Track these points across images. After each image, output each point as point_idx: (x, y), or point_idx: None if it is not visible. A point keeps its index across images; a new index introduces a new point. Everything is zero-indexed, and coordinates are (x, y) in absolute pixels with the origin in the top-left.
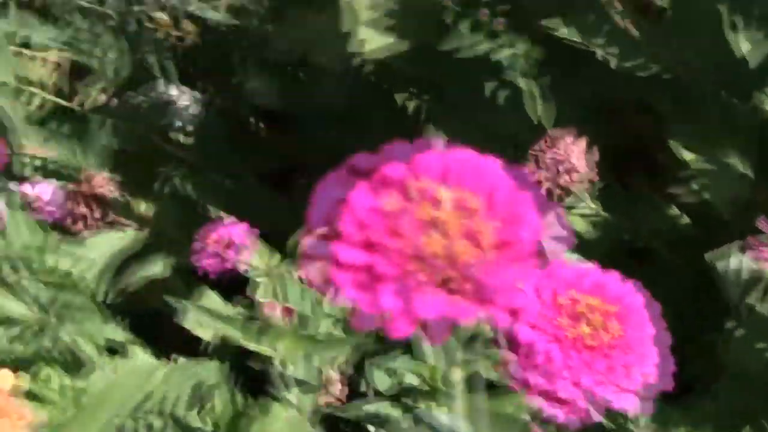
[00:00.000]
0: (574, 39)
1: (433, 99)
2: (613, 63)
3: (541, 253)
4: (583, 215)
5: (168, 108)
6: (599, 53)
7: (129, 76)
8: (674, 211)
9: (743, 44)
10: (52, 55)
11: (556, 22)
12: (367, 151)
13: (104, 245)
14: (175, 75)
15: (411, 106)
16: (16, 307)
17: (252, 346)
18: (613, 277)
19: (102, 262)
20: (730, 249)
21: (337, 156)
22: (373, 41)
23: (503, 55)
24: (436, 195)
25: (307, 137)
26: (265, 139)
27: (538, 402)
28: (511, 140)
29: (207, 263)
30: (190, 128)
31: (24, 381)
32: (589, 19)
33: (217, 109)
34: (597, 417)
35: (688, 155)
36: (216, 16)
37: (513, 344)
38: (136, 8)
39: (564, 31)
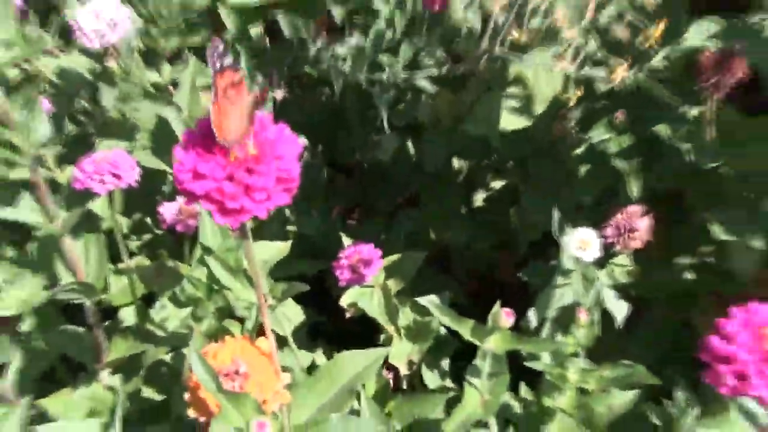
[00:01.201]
0: (671, 140)
1: (517, 171)
2: (694, 157)
3: None
4: (620, 265)
5: None
6: (688, 155)
7: None
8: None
9: None
10: None
11: (663, 127)
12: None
13: (266, 250)
14: None
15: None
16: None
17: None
18: None
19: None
20: None
21: (384, 199)
22: (510, 122)
23: (613, 145)
24: None
25: (367, 186)
26: (337, 184)
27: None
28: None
29: (342, 274)
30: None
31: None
32: (684, 125)
33: (319, 155)
34: None
35: (721, 233)
36: (425, 84)
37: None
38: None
39: (664, 133)
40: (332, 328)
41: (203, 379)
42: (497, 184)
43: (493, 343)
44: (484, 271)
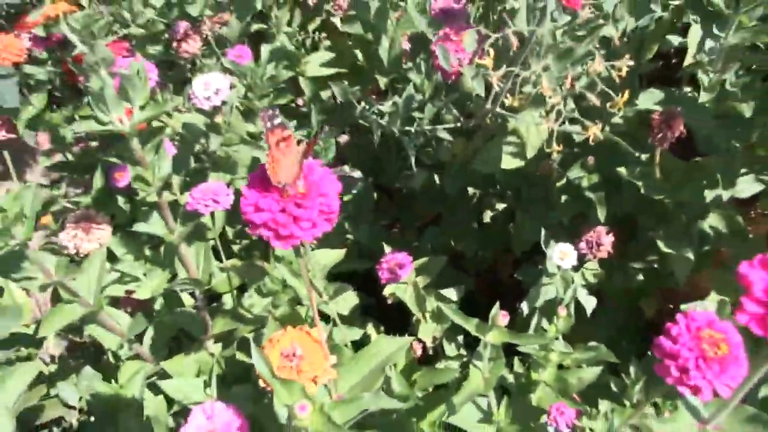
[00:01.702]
0: (628, 178)
1: (515, 197)
2: (644, 191)
3: None
4: (590, 269)
5: (348, 179)
6: (642, 189)
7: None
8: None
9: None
10: None
11: (622, 169)
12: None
13: (326, 256)
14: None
15: (475, 196)
16: None
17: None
18: (727, 324)
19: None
20: None
21: (417, 216)
22: (509, 162)
23: (586, 181)
24: None
25: (405, 206)
26: (382, 203)
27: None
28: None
29: (383, 274)
30: (354, 191)
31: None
32: (638, 167)
33: (369, 183)
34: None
35: (663, 247)
36: (444, 135)
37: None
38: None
39: (623, 173)
40: (378, 309)
41: (261, 368)
42: (500, 206)
43: (492, 337)
44: (489, 270)
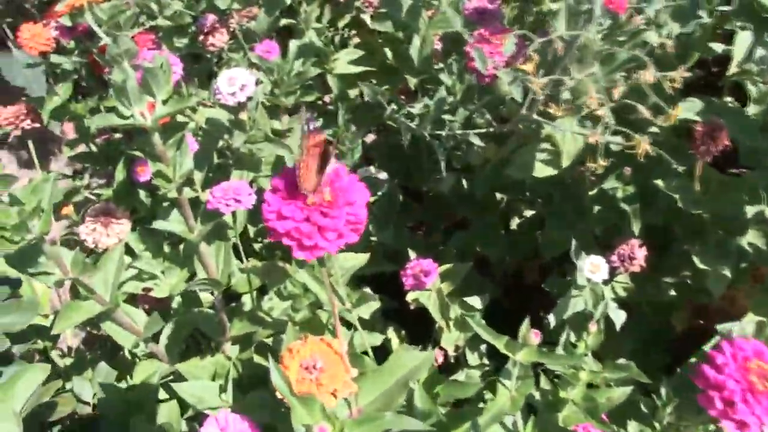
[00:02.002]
0: (666, 191)
1: (545, 204)
2: (682, 205)
3: None
4: (621, 283)
5: (374, 180)
6: (680, 202)
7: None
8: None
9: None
10: None
11: (660, 180)
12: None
13: (349, 259)
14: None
15: (503, 201)
16: None
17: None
18: None
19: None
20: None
21: (443, 219)
22: (541, 170)
23: (620, 192)
24: None
25: (431, 208)
26: (408, 205)
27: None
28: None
29: (408, 280)
30: (380, 193)
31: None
32: (675, 180)
33: (395, 185)
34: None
35: (699, 263)
36: (476, 140)
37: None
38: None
39: (661, 185)
40: (401, 312)
41: (278, 384)
42: (528, 213)
43: (522, 357)
44: (514, 275)
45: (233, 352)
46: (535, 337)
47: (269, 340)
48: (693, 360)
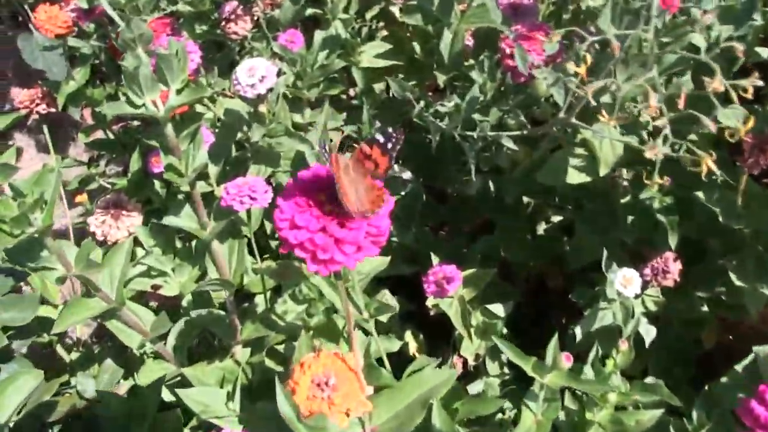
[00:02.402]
0: (706, 204)
1: (575, 211)
2: (723, 219)
3: None
4: (651, 296)
5: (398, 179)
6: (721, 216)
7: None
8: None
9: None
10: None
11: (700, 192)
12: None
13: (367, 263)
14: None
15: (531, 204)
16: None
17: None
18: None
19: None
20: None
21: (467, 221)
22: (575, 177)
23: (657, 203)
24: None
25: (455, 209)
26: (431, 206)
27: None
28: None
29: (429, 288)
30: (403, 193)
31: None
32: (717, 192)
33: (420, 185)
34: None
35: (736, 280)
36: (509, 143)
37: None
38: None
39: (701, 197)
40: (419, 314)
41: (284, 411)
42: (556, 219)
43: (550, 380)
44: (538, 279)
45: (244, 356)
46: (566, 360)
47: (281, 347)
48: (724, 380)
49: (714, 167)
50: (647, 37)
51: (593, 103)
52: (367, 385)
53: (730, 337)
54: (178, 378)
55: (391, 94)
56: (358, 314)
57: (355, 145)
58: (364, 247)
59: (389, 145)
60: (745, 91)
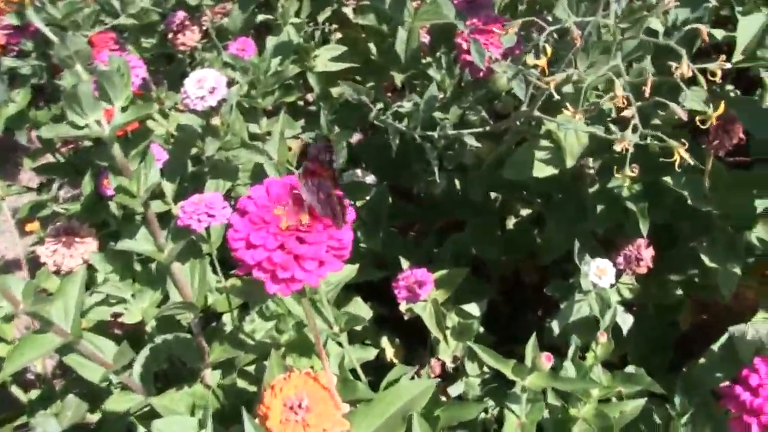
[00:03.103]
0: (674, 188)
1: (544, 204)
2: (691, 201)
3: None
4: (625, 284)
5: (361, 184)
6: (689, 199)
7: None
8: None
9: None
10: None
11: (668, 179)
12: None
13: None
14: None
15: (498, 199)
16: None
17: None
18: None
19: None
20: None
21: (435, 220)
22: (541, 170)
23: (626, 191)
24: None
25: (422, 209)
26: (398, 206)
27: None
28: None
29: (401, 293)
30: (368, 196)
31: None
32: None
33: (384, 188)
34: None
35: (708, 262)
36: (471, 140)
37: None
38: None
39: (669, 182)
40: (393, 318)
41: None
42: (525, 212)
43: (532, 382)
44: (512, 274)
45: (214, 379)
46: (546, 361)
47: (252, 367)
48: (702, 361)
49: (686, 156)
50: (608, 23)
51: (555, 95)
52: (344, 400)
53: (705, 316)
54: (147, 407)
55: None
56: (329, 330)
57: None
58: (327, 261)
59: (327, 157)
60: (714, 75)
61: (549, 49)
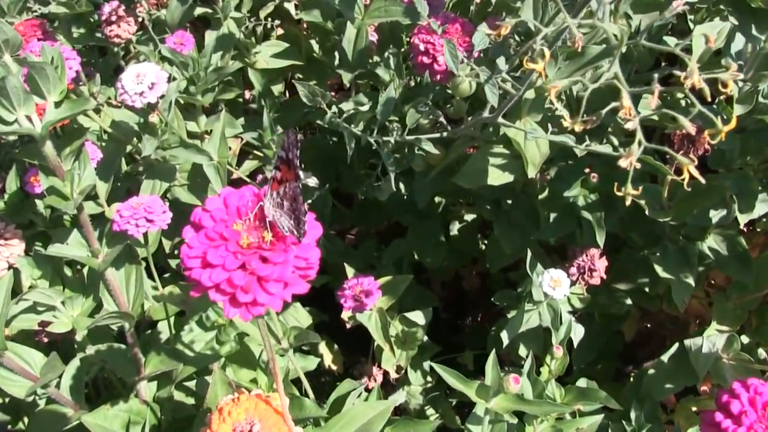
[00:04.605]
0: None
1: (493, 212)
2: (649, 212)
3: None
4: (576, 294)
5: (304, 186)
6: (647, 209)
7: None
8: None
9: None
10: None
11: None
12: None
13: None
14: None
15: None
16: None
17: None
18: None
19: None
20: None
21: (376, 224)
22: (497, 177)
23: (582, 200)
24: None
25: (363, 213)
26: (337, 211)
27: None
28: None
29: (346, 302)
30: (310, 201)
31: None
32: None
33: (327, 191)
34: None
35: (662, 272)
36: (429, 147)
37: None
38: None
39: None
40: (333, 325)
41: None
42: (469, 217)
43: (497, 404)
44: (453, 281)
45: (150, 391)
46: (515, 383)
47: (192, 383)
48: (651, 371)
49: (696, 173)
50: (608, 30)
51: (555, 103)
52: (295, 423)
53: (648, 325)
54: (77, 423)
55: (291, 96)
56: (277, 345)
57: (256, 153)
58: (292, 283)
59: (290, 155)
60: (725, 86)
61: (547, 53)
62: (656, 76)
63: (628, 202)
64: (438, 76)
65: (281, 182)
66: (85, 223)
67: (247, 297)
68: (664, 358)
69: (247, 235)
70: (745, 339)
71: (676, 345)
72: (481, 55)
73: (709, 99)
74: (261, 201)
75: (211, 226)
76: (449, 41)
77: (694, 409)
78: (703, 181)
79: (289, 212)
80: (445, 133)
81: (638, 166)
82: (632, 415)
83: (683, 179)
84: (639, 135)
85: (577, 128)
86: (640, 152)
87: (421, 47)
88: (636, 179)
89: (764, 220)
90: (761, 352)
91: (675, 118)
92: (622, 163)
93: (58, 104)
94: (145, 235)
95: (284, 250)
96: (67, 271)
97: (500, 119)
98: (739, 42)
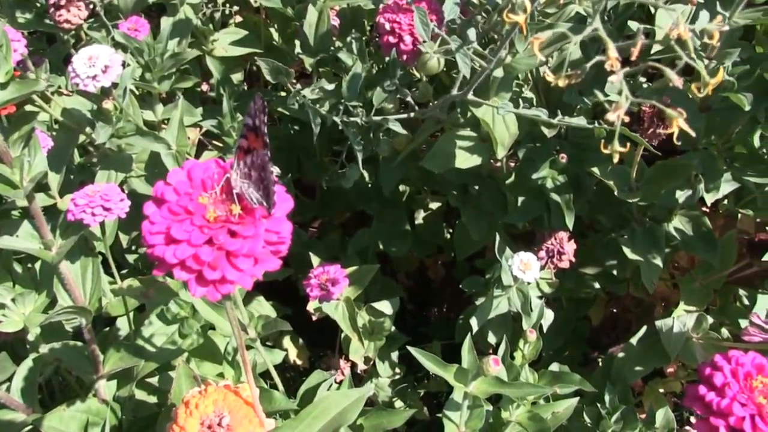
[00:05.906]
0: (601, 179)
1: (459, 197)
2: (617, 193)
3: None
4: (545, 278)
5: None
6: (616, 190)
7: None
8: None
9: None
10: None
11: (595, 170)
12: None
13: None
14: None
15: (406, 192)
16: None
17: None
18: None
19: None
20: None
21: (339, 214)
22: (464, 160)
23: (550, 182)
24: None
25: (326, 203)
26: (300, 201)
27: None
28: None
29: (312, 291)
30: None
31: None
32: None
33: (289, 180)
34: None
35: (630, 254)
36: (396, 127)
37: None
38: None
39: (597, 173)
40: (296, 318)
41: None
42: (434, 205)
43: (477, 388)
44: (418, 272)
45: (110, 391)
46: (495, 364)
47: (155, 379)
48: (621, 354)
49: (686, 126)
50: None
51: (554, 81)
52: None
53: (614, 309)
54: (30, 427)
55: (245, 86)
56: (245, 335)
57: (216, 143)
58: (262, 259)
59: (257, 122)
60: (712, 37)
61: (542, 37)
62: (640, 27)
63: (615, 159)
64: (404, 56)
65: (248, 151)
66: (37, 213)
67: (215, 274)
68: (633, 341)
69: (214, 208)
70: (710, 319)
71: (645, 328)
72: (449, 33)
73: (693, 53)
74: (228, 173)
75: (174, 200)
76: (419, 8)
77: (661, 390)
78: (693, 134)
79: (257, 183)
80: (412, 114)
81: (626, 119)
82: (606, 398)
83: (672, 132)
84: (625, 89)
85: (561, 83)
86: (627, 105)
87: (387, 26)
88: (604, 160)
89: (725, 201)
90: (725, 331)
91: (662, 72)
92: (610, 116)
93: (3, 86)
94: (102, 224)
95: (254, 223)
96: (17, 267)
97: (470, 96)
98: (703, 19)
